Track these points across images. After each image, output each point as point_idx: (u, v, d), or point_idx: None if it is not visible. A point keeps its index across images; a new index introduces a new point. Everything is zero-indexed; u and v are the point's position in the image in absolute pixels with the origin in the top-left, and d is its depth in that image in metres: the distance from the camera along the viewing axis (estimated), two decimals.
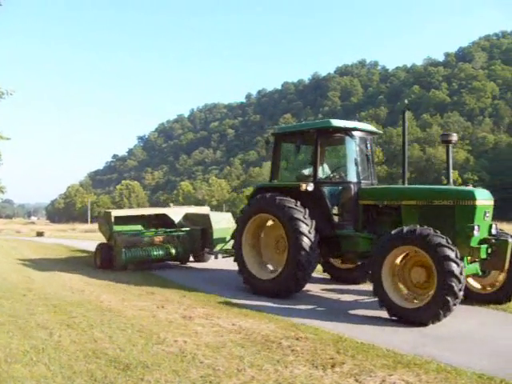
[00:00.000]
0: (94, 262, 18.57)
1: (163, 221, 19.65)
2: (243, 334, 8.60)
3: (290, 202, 11.96)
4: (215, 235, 17.34)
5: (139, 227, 19.55)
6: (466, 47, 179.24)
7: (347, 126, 12.57)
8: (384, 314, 9.92)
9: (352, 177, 12.48)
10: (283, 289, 11.94)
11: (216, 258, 16.14)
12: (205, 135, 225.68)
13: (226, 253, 15.57)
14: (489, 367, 6.98)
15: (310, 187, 12.15)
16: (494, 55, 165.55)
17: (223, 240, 16.49)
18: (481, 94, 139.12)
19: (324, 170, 13.23)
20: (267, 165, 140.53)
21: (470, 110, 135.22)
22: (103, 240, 19.70)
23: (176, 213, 20.02)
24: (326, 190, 12.41)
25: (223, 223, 17.78)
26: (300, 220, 11.65)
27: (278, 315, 10.24)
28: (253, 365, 6.93)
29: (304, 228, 11.60)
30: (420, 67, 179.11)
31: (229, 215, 19.37)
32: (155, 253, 17.45)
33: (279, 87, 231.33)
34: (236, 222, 13.78)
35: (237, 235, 13.17)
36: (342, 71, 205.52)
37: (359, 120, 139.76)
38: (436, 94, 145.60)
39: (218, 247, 16.52)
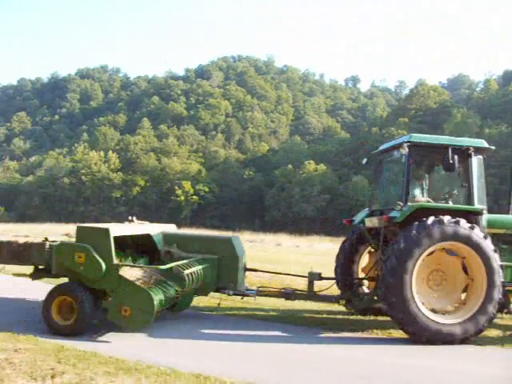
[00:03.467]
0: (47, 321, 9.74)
1: (142, 246, 12.51)
2: None
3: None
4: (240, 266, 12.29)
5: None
6: (206, 65, 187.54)
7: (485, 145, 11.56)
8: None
9: (483, 203, 11.53)
10: (476, 331, 10.26)
11: (242, 298, 12.54)
12: None
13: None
14: (205, 367, 7.51)
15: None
16: (230, 75, 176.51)
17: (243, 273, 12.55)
18: (216, 110, 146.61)
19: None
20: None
21: (205, 124, 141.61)
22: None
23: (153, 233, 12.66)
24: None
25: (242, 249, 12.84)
26: (496, 253, 10.41)
27: None
28: None
29: (498, 262, 10.39)
30: (161, 79, 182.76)
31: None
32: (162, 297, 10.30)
33: (14, 83, 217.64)
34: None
35: (400, 270, 10.06)
36: (83, 74, 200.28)
37: (98, 125, 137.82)
38: (174, 107, 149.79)
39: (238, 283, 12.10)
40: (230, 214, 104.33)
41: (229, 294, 11.84)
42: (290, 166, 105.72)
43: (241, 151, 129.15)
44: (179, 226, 73.62)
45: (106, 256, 9.47)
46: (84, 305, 9.32)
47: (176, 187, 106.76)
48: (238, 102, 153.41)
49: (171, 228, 13.62)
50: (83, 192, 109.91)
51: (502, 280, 10.31)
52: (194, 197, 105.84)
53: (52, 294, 9.52)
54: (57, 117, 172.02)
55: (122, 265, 9.84)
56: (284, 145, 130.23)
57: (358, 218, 12.77)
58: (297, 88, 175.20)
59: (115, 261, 9.68)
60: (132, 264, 10.47)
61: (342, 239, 14.03)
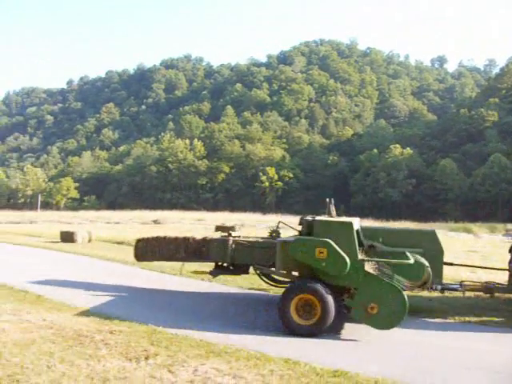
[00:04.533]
0: (285, 321, 9.14)
1: None
2: (54, 330, 8.32)
3: None
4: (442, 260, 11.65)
5: None
6: (288, 51, 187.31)
7: None
8: (197, 305, 10.37)
9: None
10: None
11: (442, 292, 11.64)
12: (21, 120, 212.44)
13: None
14: (294, 354, 7.55)
15: None
16: (312, 60, 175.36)
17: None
18: (298, 96, 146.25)
19: None
20: (87, 154, 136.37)
21: (288, 110, 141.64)
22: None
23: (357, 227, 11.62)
24: None
25: None
26: None
27: (92, 310, 10.06)
28: (63, 360, 6.75)
29: None
30: (243, 66, 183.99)
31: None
32: None
33: (103, 75, 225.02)
34: None
35: None
36: (168, 64, 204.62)
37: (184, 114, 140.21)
38: (257, 94, 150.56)
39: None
40: (314, 200, 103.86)
41: (437, 290, 11.00)
42: (375, 151, 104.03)
43: (324, 136, 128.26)
44: (264, 211, 74.03)
45: (349, 251, 8.90)
46: (328, 303, 8.72)
47: (260, 173, 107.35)
48: (321, 86, 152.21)
49: (357, 221, 11.53)
50: (170, 179, 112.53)
51: None
52: (278, 183, 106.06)
53: (291, 293, 9.01)
54: (143, 107, 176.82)
55: (368, 260, 9.22)
56: (368, 129, 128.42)
57: None
58: (381, 70, 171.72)
59: (360, 256, 9.11)
60: (378, 259, 9.53)
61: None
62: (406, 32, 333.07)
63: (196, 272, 13.84)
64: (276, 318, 9.37)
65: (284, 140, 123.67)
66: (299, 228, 10.86)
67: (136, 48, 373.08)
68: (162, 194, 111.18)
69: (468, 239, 39.18)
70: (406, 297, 8.63)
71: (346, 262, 8.73)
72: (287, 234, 11.85)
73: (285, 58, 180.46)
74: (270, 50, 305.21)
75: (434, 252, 10.70)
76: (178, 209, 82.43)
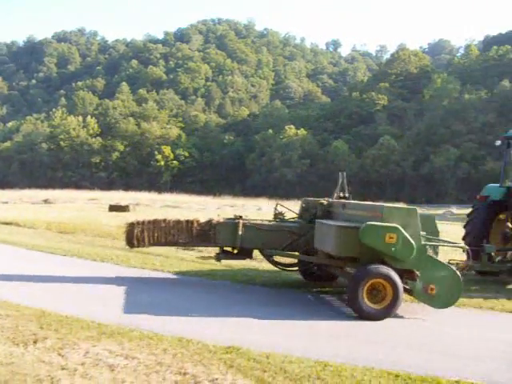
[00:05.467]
0: (357, 305, 9.23)
1: None
2: None
3: None
4: None
5: None
6: (185, 29, 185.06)
7: None
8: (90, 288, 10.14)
9: None
10: None
11: None
12: None
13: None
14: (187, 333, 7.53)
15: None
16: (210, 39, 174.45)
17: None
18: (195, 74, 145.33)
19: None
20: None
21: (184, 88, 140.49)
22: None
23: None
24: None
25: None
26: None
27: None
28: None
29: None
30: (140, 42, 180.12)
31: None
32: None
33: None
34: None
35: None
36: (60, 37, 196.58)
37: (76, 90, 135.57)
38: (153, 71, 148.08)
39: None
40: (210, 179, 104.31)
41: None
42: (270, 131, 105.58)
43: (221, 116, 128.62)
44: (159, 191, 72.89)
45: (415, 236, 9.06)
46: (399, 287, 8.97)
47: (156, 152, 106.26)
48: (218, 65, 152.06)
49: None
50: (62, 158, 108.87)
51: None
52: (174, 162, 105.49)
53: (363, 277, 9.06)
54: (34, 81, 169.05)
55: (430, 244, 9.55)
56: (264, 109, 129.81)
57: (495, 194, 13.28)
58: (277, 52, 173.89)
59: (423, 241, 9.31)
60: (438, 243, 10.15)
61: None
62: (302, 15, 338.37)
63: (203, 258, 13.18)
64: (169, 297, 9.53)
65: (180, 119, 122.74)
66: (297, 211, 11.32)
67: (26, 19, 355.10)
68: (53, 172, 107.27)
69: None
70: (460, 277, 9.14)
71: (413, 247, 8.93)
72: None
73: (182, 36, 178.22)
74: (167, 27, 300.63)
75: (431, 235, 10.62)
76: (70, 188, 79.90)
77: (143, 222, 10.88)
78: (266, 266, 13.14)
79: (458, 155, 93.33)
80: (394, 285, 8.95)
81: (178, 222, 10.93)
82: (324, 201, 11.25)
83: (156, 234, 10.79)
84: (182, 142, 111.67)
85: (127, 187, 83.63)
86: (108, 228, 21.35)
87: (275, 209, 12.07)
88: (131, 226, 10.97)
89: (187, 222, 10.87)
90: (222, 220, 11.09)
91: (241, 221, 10.89)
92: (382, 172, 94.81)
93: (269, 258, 11.53)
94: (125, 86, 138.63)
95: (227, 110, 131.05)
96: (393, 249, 8.88)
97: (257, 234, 10.92)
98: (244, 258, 11.80)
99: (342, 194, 11.90)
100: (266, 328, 8.27)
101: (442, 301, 9.19)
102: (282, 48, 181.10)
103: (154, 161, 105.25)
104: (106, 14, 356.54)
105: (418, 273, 9.20)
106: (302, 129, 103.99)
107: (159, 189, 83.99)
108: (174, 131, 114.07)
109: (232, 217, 11.50)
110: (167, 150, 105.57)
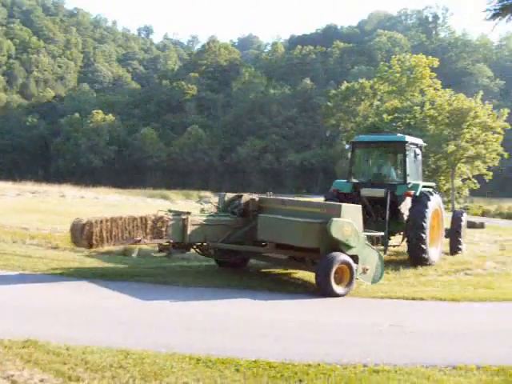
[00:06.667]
0: (327, 287, 11.22)
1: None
2: None
3: None
4: None
5: None
6: None
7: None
8: None
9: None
10: None
11: None
12: None
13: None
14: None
15: None
16: (14, 13, 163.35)
17: None
18: None
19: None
20: None
21: None
22: None
23: None
24: None
25: None
26: None
27: None
28: None
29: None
30: None
31: None
32: None
33: None
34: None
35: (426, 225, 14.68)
36: None
37: None
38: None
39: None
40: (9, 163, 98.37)
41: None
42: (77, 115, 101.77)
43: (24, 96, 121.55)
44: None
45: (359, 227, 11.21)
46: (354, 270, 10.96)
47: None
48: (23, 42, 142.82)
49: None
50: None
51: None
52: None
53: (332, 264, 10.68)
54: None
55: (365, 234, 11.69)
56: (71, 92, 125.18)
57: (343, 188, 15.89)
58: (87, 33, 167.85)
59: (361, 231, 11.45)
60: (370, 232, 12.41)
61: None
62: None
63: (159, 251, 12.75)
64: None
65: None
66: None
67: None
68: None
69: (164, 205, 41.36)
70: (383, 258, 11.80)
71: (359, 236, 11.12)
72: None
73: None
74: None
75: None
76: None
77: (101, 221, 10.57)
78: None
79: (262, 146, 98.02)
80: (351, 268, 10.92)
81: (134, 219, 11.00)
82: (255, 197, 12.67)
83: (115, 233, 10.70)
84: None
85: None
86: None
87: (200, 203, 13.63)
88: (89, 226, 10.44)
89: (141, 218, 11.02)
90: (171, 217, 11.49)
91: (189, 217, 11.46)
92: (189, 161, 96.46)
93: (207, 250, 12.60)
94: None
95: (31, 91, 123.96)
96: (348, 239, 10.85)
97: (201, 229, 11.68)
98: (186, 252, 12.61)
99: (269, 193, 13.78)
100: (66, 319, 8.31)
101: (373, 278, 11.43)
102: (92, 30, 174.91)
103: None
104: None
105: (359, 257, 11.21)
106: (110, 114, 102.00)
107: None
108: None
109: (176, 212, 12.14)
110: None
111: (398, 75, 51.11)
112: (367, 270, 11.30)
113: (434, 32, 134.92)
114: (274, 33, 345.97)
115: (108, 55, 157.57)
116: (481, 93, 45.13)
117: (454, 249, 16.67)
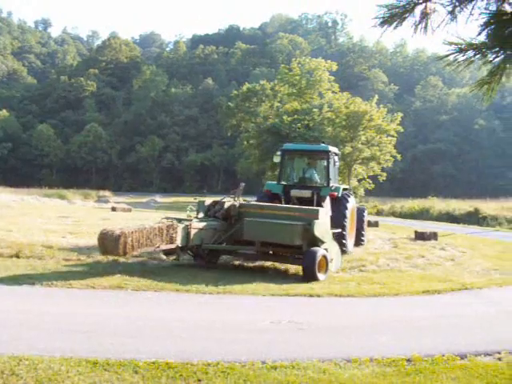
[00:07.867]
0: (314, 275, 13.03)
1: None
2: None
3: None
4: None
5: None
6: None
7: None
8: None
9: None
10: None
11: None
12: None
13: None
14: None
15: None
16: None
17: None
18: None
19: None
20: None
21: None
22: None
23: None
24: None
25: None
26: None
27: None
28: None
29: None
30: None
31: None
32: None
33: None
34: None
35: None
36: None
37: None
38: None
39: None
40: None
41: None
42: None
43: None
44: None
45: (329, 226, 13.73)
46: (328, 260, 12.91)
47: None
48: None
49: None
50: None
51: None
52: None
53: (317, 256, 12.49)
54: None
55: (332, 232, 13.91)
56: None
57: (274, 189, 17.33)
58: None
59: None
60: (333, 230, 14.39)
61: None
62: None
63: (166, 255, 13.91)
64: None
65: None
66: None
67: None
68: None
69: (61, 205, 40.04)
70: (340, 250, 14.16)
71: (330, 233, 13.54)
72: None
73: None
74: None
75: None
76: None
77: (132, 232, 11.54)
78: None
79: (162, 146, 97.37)
80: (326, 259, 12.82)
81: (154, 228, 12.02)
82: (236, 203, 14.03)
83: (141, 241, 11.70)
84: None
85: None
86: None
87: (191, 209, 15.04)
88: (124, 236, 11.30)
89: (159, 228, 12.03)
90: (179, 224, 12.54)
91: (192, 223, 12.79)
92: (88, 159, 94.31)
93: (201, 252, 13.88)
94: None
95: None
96: (324, 236, 12.98)
97: (200, 233, 13.06)
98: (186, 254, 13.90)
99: (235, 199, 14.54)
100: None
101: (335, 266, 13.63)
102: None
103: None
104: None
105: (328, 250, 13.11)
106: (4, 110, 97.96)
107: None
108: None
109: (177, 219, 13.22)
110: None
111: (297, 78, 51.80)
112: (332, 260, 13.28)
113: (333, 37, 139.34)
114: (176, 31, 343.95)
115: (2, 48, 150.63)
116: (376, 97, 47.28)
117: (359, 241, 18.66)
